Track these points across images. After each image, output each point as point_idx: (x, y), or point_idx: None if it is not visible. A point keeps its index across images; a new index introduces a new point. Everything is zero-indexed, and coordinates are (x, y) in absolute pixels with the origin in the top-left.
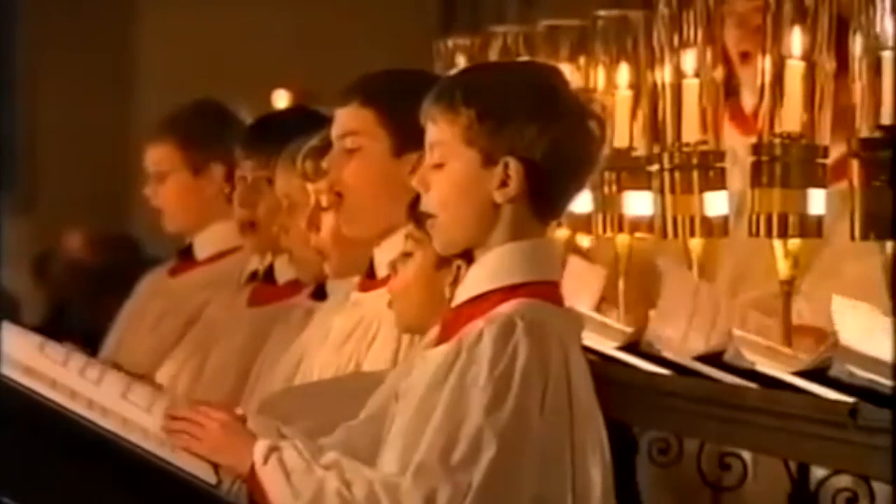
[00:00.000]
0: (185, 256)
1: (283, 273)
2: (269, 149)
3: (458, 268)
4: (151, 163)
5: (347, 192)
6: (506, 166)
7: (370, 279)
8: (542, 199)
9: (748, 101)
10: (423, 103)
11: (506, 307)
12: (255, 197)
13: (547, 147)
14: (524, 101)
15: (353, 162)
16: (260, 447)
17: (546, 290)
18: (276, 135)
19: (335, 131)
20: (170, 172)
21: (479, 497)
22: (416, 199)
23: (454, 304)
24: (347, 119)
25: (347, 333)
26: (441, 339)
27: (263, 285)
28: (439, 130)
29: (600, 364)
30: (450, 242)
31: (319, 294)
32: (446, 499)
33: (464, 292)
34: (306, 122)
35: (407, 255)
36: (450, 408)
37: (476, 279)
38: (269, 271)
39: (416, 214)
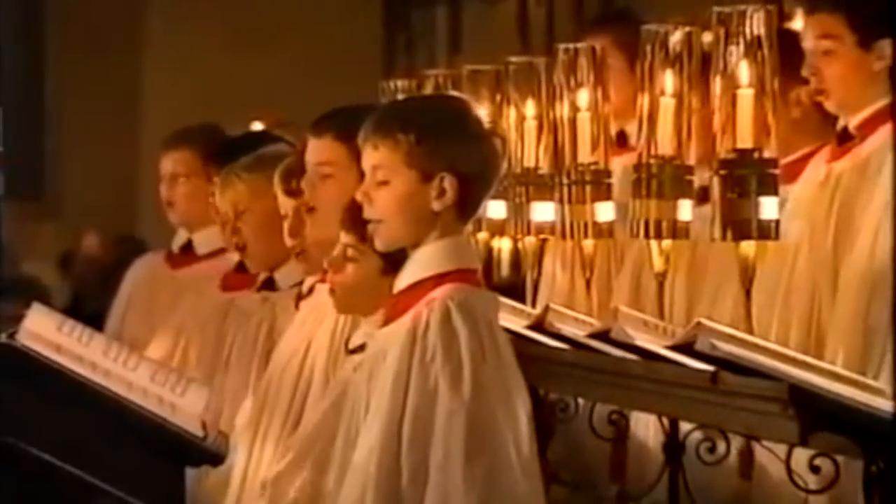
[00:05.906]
0: (186, 251)
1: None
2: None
3: None
4: (171, 164)
5: (321, 207)
6: (442, 180)
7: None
8: (467, 204)
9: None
10: (361, 130)
11: (438, 291)
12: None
13: (475, 162)
14: (452, 125)
15: (327, 185)
16: None
17: (469, 276)
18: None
19: (312, 158)
20: (187, 175)
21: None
22: (350, 210)
23: (395, 291)
24: (323, 150)
25: (307, 315)
26: (387, 321)
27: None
28: (380, 155)
29: (513, 340)
30: (392, 244)
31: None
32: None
33: (402, 282)
34: (256, 144)
35: (350, 259)
36: (419, 389)
37: (412, 271)
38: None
39: (352, 224)
